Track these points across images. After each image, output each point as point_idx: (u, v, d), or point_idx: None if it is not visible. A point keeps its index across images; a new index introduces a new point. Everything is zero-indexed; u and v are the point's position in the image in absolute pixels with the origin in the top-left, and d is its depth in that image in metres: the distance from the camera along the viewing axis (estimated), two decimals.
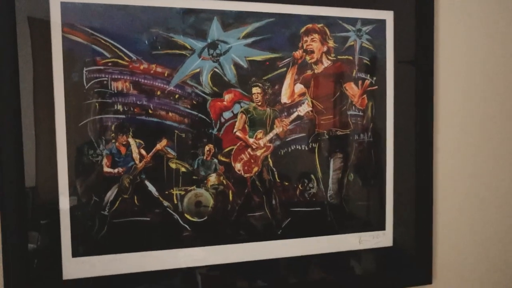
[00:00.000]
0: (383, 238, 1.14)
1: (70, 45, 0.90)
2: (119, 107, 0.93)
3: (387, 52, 1.11)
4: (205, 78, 0.98)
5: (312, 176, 1.07)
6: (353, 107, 1.09)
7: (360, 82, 1.09)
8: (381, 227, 1.14)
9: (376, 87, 1.11)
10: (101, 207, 0.93)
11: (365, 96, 1.10)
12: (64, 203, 0.91)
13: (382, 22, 1.10)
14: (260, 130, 1.03)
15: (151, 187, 0.96)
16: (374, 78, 1.11)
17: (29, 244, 0.89)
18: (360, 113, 1.10)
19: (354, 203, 1.11)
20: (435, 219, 1.18)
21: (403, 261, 1.16)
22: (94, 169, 0.93)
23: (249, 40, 1.00)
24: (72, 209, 0.91)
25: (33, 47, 0.87)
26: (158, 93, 0.95)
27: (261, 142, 1.04)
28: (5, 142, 0.86)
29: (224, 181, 1.01)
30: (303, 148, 1.06)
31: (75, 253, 0.92)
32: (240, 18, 0.99)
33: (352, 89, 1.09)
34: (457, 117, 1.20)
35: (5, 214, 0.87)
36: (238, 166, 1.02)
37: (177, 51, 0.96)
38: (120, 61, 0.93)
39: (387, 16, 1.10)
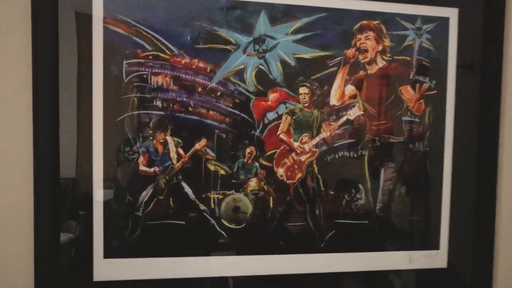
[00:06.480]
0: (436, 259, 1.06)
1: (111, 36, 0.88)
2: (158, 103, 0.90)
3: (449, 54, 1.03)
4: (249, 75, 0.93)
5: (360, 186, 1.01)
6: (409, 112, 1.02)
7: (417, 85, 1.02)
8: (435, 246, 1.06)
9: (435, 91, 1.03)
10: (135, 207, 0.91)
11: (422, 101, 1.03)
12: (98, 201, 0.90)
13: (445, 21, 1.02)
14: (306, 134, 0.97)
15: (187, 189, 0.93)
16: (434, 82, 1.03)
17: (61, 244, 0.88)
18: (416, 120, 1.02)
19: (405, 218, 1.05)
20: (497, 239, 1.09)
21: (458, 286, 1.08)
22: (129, 167, 0.91)
23: (298, 36, 0.95)
24: (106, 209, 0.90)
25: (75, 37, 0.86)
26: (199, 89, 0.92)
27: (306, 147, 0.97)
28: (43, 133, 0.86)
29: (265, 187, 0.96)
30: (351, 155, 1.00)
31: (107, 254, 0.90)
32: (289, 12, 0.95)
33: (408, 93, 1.01)
34: None
35: (38, 209, 0.86)
36: (280, 171, 0.96)
37: (221, 46, 0.93)
38: (161, 54, 0.90)
39: (451, 13, 1.02)
